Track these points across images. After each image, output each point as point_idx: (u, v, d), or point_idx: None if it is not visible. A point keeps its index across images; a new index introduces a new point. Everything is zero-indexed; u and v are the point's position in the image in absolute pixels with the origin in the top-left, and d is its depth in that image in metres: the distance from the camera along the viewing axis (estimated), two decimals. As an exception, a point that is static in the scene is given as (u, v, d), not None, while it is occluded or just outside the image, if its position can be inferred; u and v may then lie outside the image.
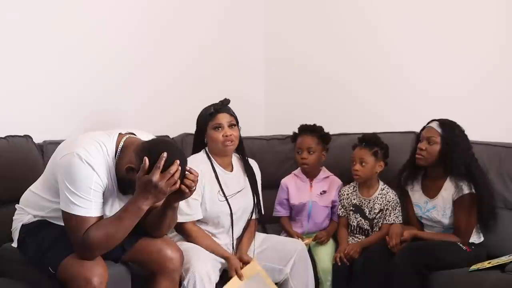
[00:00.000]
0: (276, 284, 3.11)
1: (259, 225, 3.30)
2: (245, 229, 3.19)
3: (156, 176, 2.31)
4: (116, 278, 2.54)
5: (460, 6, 3.73)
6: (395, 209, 3.38)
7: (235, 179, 3.17)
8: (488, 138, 3.43)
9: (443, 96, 3.77)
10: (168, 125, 3.72)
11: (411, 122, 3.57)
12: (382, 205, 3.38)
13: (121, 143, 2.46)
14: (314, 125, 3.51)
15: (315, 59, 4.26)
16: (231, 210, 3.08)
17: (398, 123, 3.73)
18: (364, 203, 3.41)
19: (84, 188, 2.35)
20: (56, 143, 2.68)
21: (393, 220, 3.36)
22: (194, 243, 2.99)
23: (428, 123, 3.28)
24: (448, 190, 3.24)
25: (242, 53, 4.35)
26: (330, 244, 3.43)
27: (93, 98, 3.54)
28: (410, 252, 3.06)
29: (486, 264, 2.96)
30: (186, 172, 2.44)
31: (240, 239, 3.17)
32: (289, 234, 3.44)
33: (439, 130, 3.21)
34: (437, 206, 3.26)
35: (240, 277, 2.95)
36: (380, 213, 3.38)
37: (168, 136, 3.60)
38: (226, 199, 3.07)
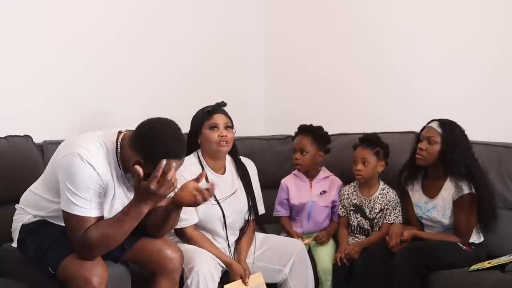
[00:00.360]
0: (275, 284, 3.12)
1: (257, 225, 3.27)
2: (242, 231, 3.18)
3: (153, 184, 2.30)
4: (116, 278, 2.54)
5: (460, 6, 3.73)
6: (395, 209, 3.38)
7: (228, 181, 3.15)
8: (488, 138, 3.43)
9: (443, 96, 3.76)
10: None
11: (411, 122, 3.57)
12: (383, 205, 3.38)
13: (119, 141, 2.46)
14: (311, 125, 3.51)
15: (315, 59, 4.26)
16: (223, 214, 3.05)
17: (398, 123, 3.73)
18: (365, 203, 3.41)
19: (85, 188, 2.35)
20: (56, 143, 2.68)
21: (393, 220, 3.36)
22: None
23: (428, 123, 3.28)
24: (448, 190, 3.24)
25: (242, 53, 4.35)
26: (330, 244, 3.43)
27: (93, 98, 3.54)
28: (410, 252, 3.06)
29: (486, 264, 2.95)
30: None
31: (238, 241, 3.16)
32: (289, 234, 3.44)
33: (439, 130, 3.21)
34: (437, 206, 3.26)
35: (245, 282, 2.95)
36: (381, 213, 3.38)
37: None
38: (218, 203, 3.04)
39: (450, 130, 3.21)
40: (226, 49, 4.24)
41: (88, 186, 2.36)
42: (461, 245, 3.14)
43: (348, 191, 3.48)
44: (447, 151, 3.18)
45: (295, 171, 3.59)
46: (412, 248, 3.09)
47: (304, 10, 4.28)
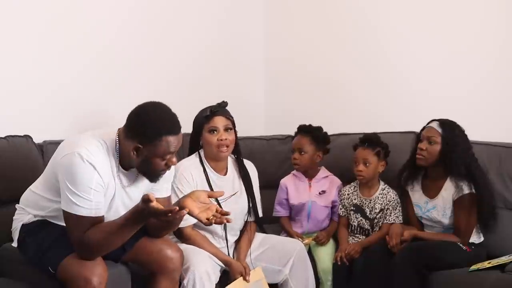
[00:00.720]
0: (275, 285, 3.12)
1: (257, 226, 3.27)
2: (242, 232, 3.17)
3: (161, 217, 2.31)
4: (116, 278, 2.54)
5: (459, 7, 3.73)
6: (396, 209, 3.38)
7: (229, 182, 3.15)
8: (488, 138, 3.43)
9: (443, 96, 3.76)
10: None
11: (411, 122, 3.57)
12: (383, 205, 3.38)
13: (117, 137, 2.46)
14: (310, 125, 3.51)
15: (315, 59, 4.26)
16: None
17: (398, 123, 3.73)
18: (365, 203, 3.41)
19: (85, 188, 2.36)
20: (56, 143, 2.68)
21: (393, 219, 3.36)
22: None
23: (428, 123, 3.28)
24: (448, 190, 3.24)
25: (242, 53, 4.35)
26: (330, 244, 3.43)
27: (93, 98, 3.53)
28: (410, 252, 3.06)
29: (486, 264, 2.95)
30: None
31: (237, 242, 3.16)
32: (289, 234, 3.44)
33: (439, 130, 3.21)
34: (437, 206, 3.26)
35: (246, 280, 2.94)
36: (381, 213, 3.38)
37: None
38: (218, 203, 3.02)
39: (450, 130, 3.21)
40: (226, 49, 4.24)
41: (89, 186, 2.36)
42: (461, 245, 3.14)
43: (348, 191, 3.48)
44: (447, 151, 3.18)
45: (294, 171, 3.59)
46: (412, 248, 3.09)
47: (304, 10, 4.28)
